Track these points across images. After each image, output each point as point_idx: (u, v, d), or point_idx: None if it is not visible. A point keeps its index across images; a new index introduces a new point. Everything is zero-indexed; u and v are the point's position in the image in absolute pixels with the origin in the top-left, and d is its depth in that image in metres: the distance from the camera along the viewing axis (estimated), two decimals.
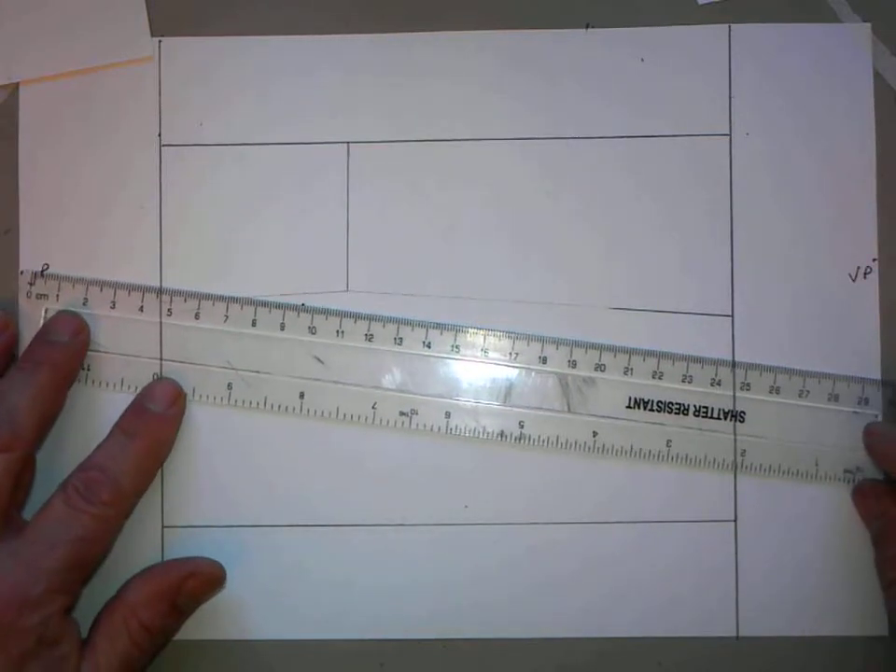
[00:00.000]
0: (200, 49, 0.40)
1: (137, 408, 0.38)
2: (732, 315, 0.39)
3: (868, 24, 0.39)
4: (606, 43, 0.40)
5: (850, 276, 0.39)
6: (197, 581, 0.37)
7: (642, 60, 0.40)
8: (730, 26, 0.40)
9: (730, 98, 0.39)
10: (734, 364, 0.39)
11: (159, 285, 0.39)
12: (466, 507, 0.39)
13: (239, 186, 0.40)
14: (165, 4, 0.40)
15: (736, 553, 0.38)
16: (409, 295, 0.39)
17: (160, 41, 0.40)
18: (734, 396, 0.38)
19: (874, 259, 0.39)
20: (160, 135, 0.40)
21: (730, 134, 0.39)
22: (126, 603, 0.36)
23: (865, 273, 0.39)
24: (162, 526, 0.39)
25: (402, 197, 0.39)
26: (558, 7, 0.40)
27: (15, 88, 0.40)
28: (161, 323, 0.39)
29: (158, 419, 0.37)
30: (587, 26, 0.40)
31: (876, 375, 0.39)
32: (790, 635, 0.38)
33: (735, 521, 0.38)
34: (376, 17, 0.40)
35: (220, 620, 0.39)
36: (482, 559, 0.39)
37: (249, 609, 0.39)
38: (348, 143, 0.40)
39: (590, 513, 0.39)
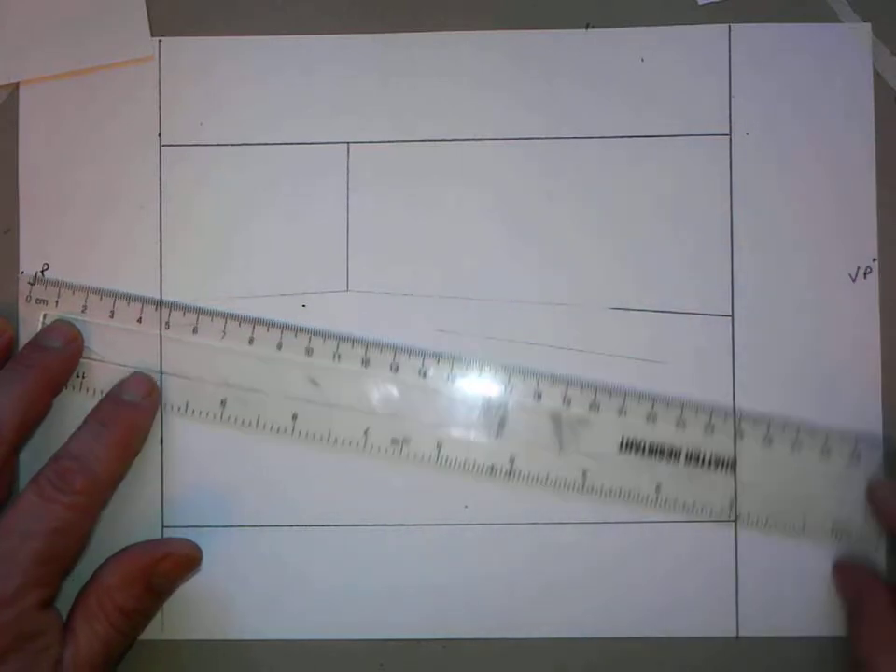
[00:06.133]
0: (200, 49, 0.40)
1: (112, 398, 0.38)
2: (732, 315, 0.39)
3: (868, 24, 0.39)
4: (606, 43, 0.40)
5: (850, 276, 0.39)
6: (171, 563, 0.36)
7: (642, 60, 0.40)
8: (730, 26, 0.40)
9: (730, 98, 0.40)
10: (735, 413, 0.38)
11: (159, 285, 0.39)
12: (466, 507, 0.39)
13: (239, 186, 0.40)
14: (165, 4, 0.40)
15: (736, 553, 0.38)
16: (409, 295, 0.39)
17: (160, 41, 0.40)
18: (734, 445, 0.38)
19: (874, 259, 0.39)
20: (160, 135, 0.40)
21: (730, 134, 0.39)
22: (101, 585, 0.35)
23: (865, 273, 0.39)
24: (162, 526, 0.39)
25: (402, 197, 0.39)
26: (558, 6, 0.40)
27: (15, 88, 0.40)
28: (160, 335, 0.39)
29: (133, 408, 0.37)
30: (587, 26, 0.40)
31: (876, 379, 0.39)
32: (790, 635, 0.38)
33: (735, 521, 0.38)
34: (376, 17, 0.40)
35: (219, 620, 0.39)
36: (482, 559, 0.39)
37: (249, 610, 0.39)
38: (348, 143, 0.40)
39: (591, 514, 0.39)
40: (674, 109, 0.39)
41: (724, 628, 0.39)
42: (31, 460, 0.38)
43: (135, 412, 0.37)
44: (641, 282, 0.39)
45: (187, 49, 0.40)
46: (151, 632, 0.38)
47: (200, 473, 0.39)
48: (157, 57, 0.40)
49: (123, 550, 0.37)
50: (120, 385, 0.38)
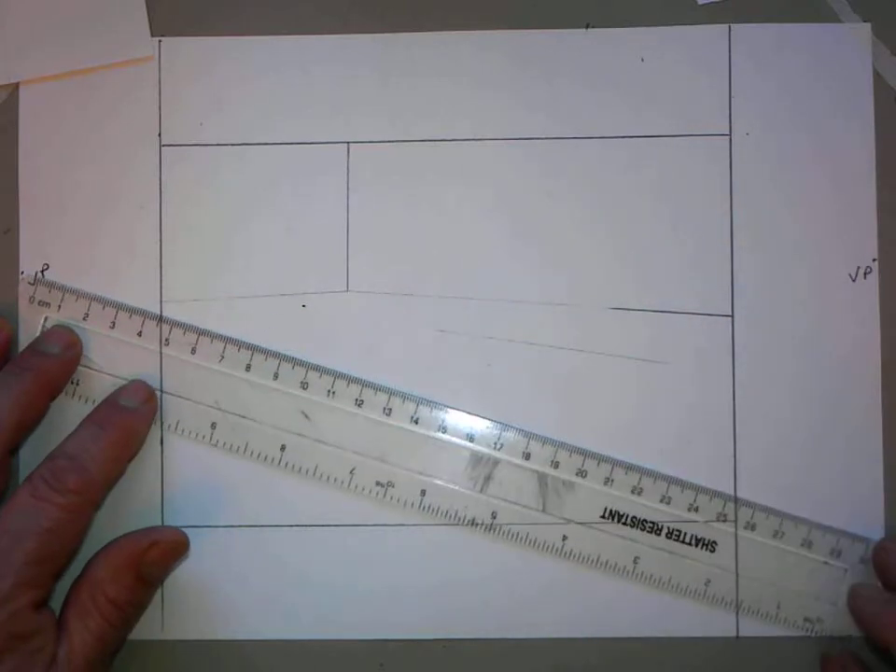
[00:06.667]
0: (200, 49, 0.40)
1: (110, 403, 0.38)
2: (732, 315, 0.39)
3: (868, 24, 0.39)
4: (606, 43, 0.40)
5: (850, 276, 0.39)
6: (159, 550, 0.36)
7: (642, 60, 0.40)
8: (730, 26, 0.40)
9: (730, 98, 0.40)
10: (736, 499, 0.38)
11: (159, 285, 0.39)
12: (465, 507, 0.39)
13: (239, 186, 0.40)
14: (165, 4, 0.40)
15: (736, 552, 0.38)
16: (409, 295, 0.39)
17: (160, 41, 0.40)
18: (717, 527, 0.38)
19: (874, 259, 0.39)
20: (160, 135, 0.40)
21: (730, 134, 0.39)
22: (91, 579, 0.35)
23: (865, 273, 0.39)
24: (162, 526, 0.39)
25: (402, 197, 0.39)
26: (558, 6, 0.40)
27: (15, 88, 0.40)
28: (160, 351, 0.39)
29: (131, 413, 0.37)
30: (587, 26, 0.40)
31: (876, 380, 0.39)
32: (790, 635, 0.38)
33: (736, 521, 0.38)
34: (376, 17, 0.40)
35: (220, 620, 0.39)
36: (482, 559, 0.39)
37: (249, 609, 0.39)
38: (348, 143, 0.40)
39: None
40: (674, 109, 0.39)
41: (724, 628, 0.39)
42: (32, 464, 0.38)
43: (133, 416, 0.38)
44: (641, 282, 0.39)
45: (187, 49, 0.40)
46: (151, 632, 0.39)
47: (199, 473, 0.39)
48: (157, 57, 0.40)
49: (111, 543, 0.37)
50: (119, 391, 0.38)
